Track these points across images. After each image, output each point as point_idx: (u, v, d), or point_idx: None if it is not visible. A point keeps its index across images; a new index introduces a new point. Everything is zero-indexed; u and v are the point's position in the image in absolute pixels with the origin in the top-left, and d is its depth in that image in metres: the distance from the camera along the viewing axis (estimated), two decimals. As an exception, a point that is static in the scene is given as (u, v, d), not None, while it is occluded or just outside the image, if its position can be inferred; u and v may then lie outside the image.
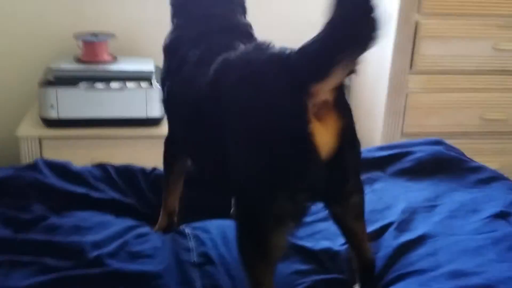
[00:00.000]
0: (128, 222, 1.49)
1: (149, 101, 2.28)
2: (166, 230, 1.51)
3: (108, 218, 1.50)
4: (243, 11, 1.45)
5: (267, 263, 1.07)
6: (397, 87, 2.25)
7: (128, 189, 1.63)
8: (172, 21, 1.47)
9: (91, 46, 2.35)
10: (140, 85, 2.27)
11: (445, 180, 1.68)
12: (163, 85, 1.43)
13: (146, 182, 1.66)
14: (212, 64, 1.17)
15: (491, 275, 1.25)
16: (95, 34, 2.39)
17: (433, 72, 2.27)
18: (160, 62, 2.31)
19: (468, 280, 1.24)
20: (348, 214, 1.15)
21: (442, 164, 1.74)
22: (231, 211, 1.57)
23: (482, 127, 2.30)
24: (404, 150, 1.80)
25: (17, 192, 1.50)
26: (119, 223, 1.47)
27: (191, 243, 1.41)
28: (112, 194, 1.59)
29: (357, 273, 1.24)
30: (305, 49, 0.98)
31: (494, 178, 1.72)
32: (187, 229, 1.48)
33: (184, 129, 1.32)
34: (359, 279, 1.24)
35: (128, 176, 1.66)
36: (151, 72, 2.32)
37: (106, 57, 2.38)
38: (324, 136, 1.00)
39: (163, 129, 2.29)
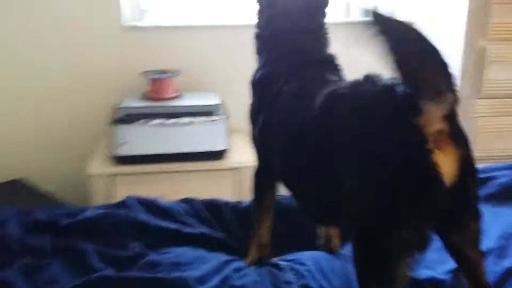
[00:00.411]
0: (222, 256, 1.51)
1: (215, 135, 2.31)
2: (257, 263, 1.50)
3: (202, 253, 1.51)
4: (327, 43, 1.47)
5: None
6: (464, 112, 2.24)
7: (216, 223, 1.64)
8: (259, 56, 1.50)
9: (159, 83, 2.40)
10: (206, 119, 2.30)
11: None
12: (255, 118, 1.45)
13: (232, 215, 1.67)
14: (316, 97, 1.19)
15: None
16: (162, 71, 2.44)
17: (500, 96, 2.26)
18: (224, 96, 2.41)
19: None
20: (467, 241, 1.14)
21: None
22: (318, 242, 1.58)
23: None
24: (486, 175, 1.78)
25: (111, 230, 1.53)
26: (214, 258, 1.48)
27: (290, 276, 1.41)
28: (201, 229, 1.60)
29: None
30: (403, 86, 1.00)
31: None
32: (281, 262, 1.47)
33: (283, 161, 1.33)
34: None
35: (214, 210, 1.68)
36: (217, 106, 2.35)
37: (172, 93, 2.42)
38: (446, 165, 1.00)
39: (228, 161, 2.33)
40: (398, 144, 1.00)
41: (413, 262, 1.06)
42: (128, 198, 1.66)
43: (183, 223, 1.60)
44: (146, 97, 2.42)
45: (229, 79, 2.62)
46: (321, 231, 1.58)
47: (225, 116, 2.32)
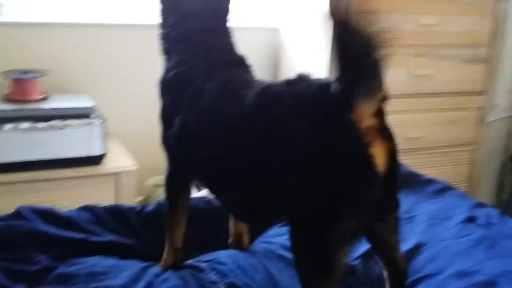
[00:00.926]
0: (137, 263, 1.46)
1: (91, 139, 2.20)
2: (172, 267, 1.48)
3: (115, 261, 1.45)
4: (235, 44, 1.50)
5: (332, 283, 1.12)
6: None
7: (122, 230, 1.58)
8: (167, 56, 1.48)
9: (22, 84, 2.22)
10: (81, 122, 2.18)
11: (410, 193, 1.87)
12: (168, 119, 1.42)
13: (138, 221, 1.62)
14: (244, 96, 1.22)
15: (488, 271, 1.43)
16: (25, 71, 2.26)
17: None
18: (96, 99, 2.31)
19: (472, 278, 1.41)
20: (388, 228, 1.25)
21: (403, 179, 1.92)
22: (228, 241, 1.61)
23: (405, 144, 2.55)
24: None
25: (13, 244, 1.39)
26: (130, 265, 1.43)
27: (213, 276, 1.41)
28: (109, 236, 1.53)
29: (389, 284, 1.33)
30: (337, 84, 1.07)
31: (446, 188, 1.95)
32: (201, 263, 1.47)
33: (209, 161, 1.33)
34: (391, 289, 1.33)
35: (118, 216, 1.61)
36: (91, 108, 2.24)
37: (38, 95, 2.25)
38: (379, 157, 1.08)
39: (106, 166, 2.24)
40: (337, 139, 1.06)
41: (350, 250, 1.14)
42: (21, 208, 1.52)
43: (88, 231, 1.52)
44: (8, 99, 2.22)
45: (101, 80, 2.53)
46: (231, 229, 1.60)
47: (102, 119, 2.23)
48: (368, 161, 1.05)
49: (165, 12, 1.50)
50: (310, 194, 1.08)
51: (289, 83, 1.18)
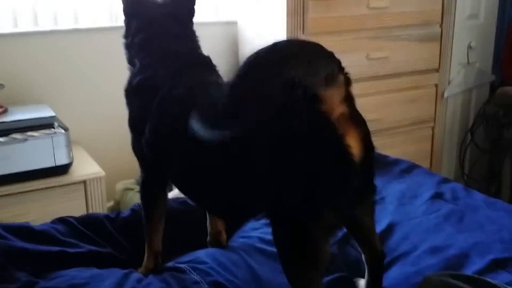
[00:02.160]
0: (117, 271, 1.45)
1: (56, 149, 2.17)
2: (153, 271, 1.49)
3: (95, 271, 1.44)
4: (200, 46, 1.51)
5: (318, 273, 1.15)
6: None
7: (100, 239, 1.57)
8: (133, 62, 1.47)
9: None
10: (44, 133, 2.15)
11: (377, 174, 1.90)
12: (137, 126, 1.41)
13: (115, 228, 1.62)
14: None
15: (459, 245, 1.49)
16: (-20, 86, 2.21)
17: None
18: (55, 108, 2.28)
19: (446, 252, 1.47)
20: (365, 213, 1.29)
21: (370, 162, 1.97)
22: (207, 239, 1.62)
23: (367, 127, 2.61)
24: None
25: (-10, 263, 1.37)
26: (111, 274, 1.42)
27: (195, 276, 1.42)
28: (87, 246, 1.52)
29: (368, 266, 1.37)
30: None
31: (412, 167, 2.02)
32: (181, 265, 1.48)
33: (182, 165, 1.33)
34: (370, 272, 1.37)
35: (94, 225, 1.60)
36: (52, 118, 2.22)
37: (-5, 108, 2.21)
38: (355, 146, 1.10)
39: (73, 175, 2.22)
40: (311, 134, 1.08)
41: (332, 239, 1.17)
42: (-6, 226, 1.50)
43: (65, 244, 1.50)
44: (-37, 115, 2.17)
45: (59, 88, 2.49)
46: (208, 227, 1.62)
47: (64, 128, 2.20)
48: (345, 151, 1.07)
49: (128, 21, 1.50)
50: (290, 191, 1.09)
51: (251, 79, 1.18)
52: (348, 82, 1.08)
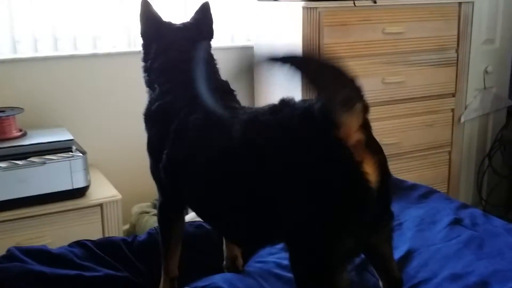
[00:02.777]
0: (133, 295, 1.45)
1: (73, 172, 2.19)
2: (169, 296, 1.49)
3: (112, 295, 1.44)
4: (218, 71, 1.52)
5: None
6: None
7: (116, 263, 1.57)
8: (152, 86, 1.48)
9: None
10: (62, 156, 2.17)
11: (395, 200, 1.89)
12: (156, 151, 1.41)
13: (132, 251, 1.62)
14: (230, 125, 1.22)
15: (480, 272, 1.47)
16: (0, 110, 2.24)
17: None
18: (74, 131, 2.30)
19: (466, 280, 1.44)
20: (383, 240, 1.27)
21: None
22: (223, 264, 1.61)
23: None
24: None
25: (9, 286, 1.37)
26: (127, 298, 1.42)
27: (211, 301, 1.42)
28: (104, 270, 1.52)
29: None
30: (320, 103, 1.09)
31: (430, 192, 1.99)
32: (197, 290, 1.47)
33: (200, 191, 1.33)
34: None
35: (111, 249, 1.60)
36: (70, 142, 2.24)
37: (16, 132, 2.23)
38: (372, 173, 1.10)
39: (90, 198, 2.23)
40: (330, 162, 1.07)
41: (350, 266, 1.16)
42: (12, 249, 1.51)
43: (82, 267, 1.51)
44: (-13, 138, 2.20)
45: (77, 112, 2.52)
46: (225, 252, 1.61)
47: (82, 152, 2.22)
48: (362, 179, 1.07)
49: (147, 44, 1.53)
50: (308, 219, 1.09)
51: (273, 110, 1.18)
52: (366, 109, 1.08)
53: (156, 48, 1.49)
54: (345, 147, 1.06)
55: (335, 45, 2.46)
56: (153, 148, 1.44)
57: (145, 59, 1.52)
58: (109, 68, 2.56)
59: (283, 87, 2.57)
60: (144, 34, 1.53)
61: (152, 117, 1.45)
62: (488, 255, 1.54)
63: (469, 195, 3.20)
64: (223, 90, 1.45)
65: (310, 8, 2.39)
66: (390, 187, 1.19)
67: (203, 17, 1.55)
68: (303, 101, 1.19)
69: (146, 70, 1.51)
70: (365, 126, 1.11)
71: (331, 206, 1.07)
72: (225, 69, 1.53)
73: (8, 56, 2.40)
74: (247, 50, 2.85)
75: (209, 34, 1.55)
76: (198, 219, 1.78)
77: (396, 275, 1.33)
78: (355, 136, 1.08)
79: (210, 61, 1.51)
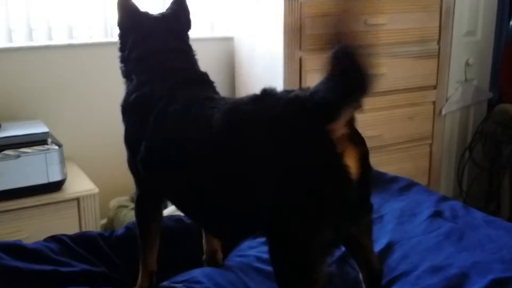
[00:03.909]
0: (111, 291, 1.43)
1: (49, 165, 2.15)
2: (148, 291, 1.46)
3: (88, 291, 1.41)
4: (197, 62, 1.49)
5: None
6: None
7: (93, 257, 1.54)
8: (129, 77, 1.45)
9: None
10: (37, 149, 2.13)
11: (376, 192, 1.88)
12: (134, 143, 1.38)
13: (109, 246, 1.59)
14: (209, 115, 1.20)
15: (460, 264, 1.47)
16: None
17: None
18: (49, 123, 2.25)
19: (446, 272, 1.44)
20: (363, 231, 1.26)
21: (368, 180, 1.95)
22: (203, 258, 1.59)
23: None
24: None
25: (-19, 283, 1.34)
26: (104, 294, 1.40)
27: (191, 296, 1.40)
28: (80, 265, 1.50)
29: (366, 286, 1.33)
30: (317, 96, 1.08)
31: (410, 184, 1.99)
32: (176, 285, 1.45)
33: (180, 182, 1.31)
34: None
35: (88, 243, 1.57)
36: (46, 134, 2.19)
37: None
38: (352, 165, 1.10)
39: (67, 192, 2.20)
40: (311, 152, 1.07)
41: (330, 258, 1.15)
42: (-16, 245, 1.47)
43: (58, 263, 1.47)
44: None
45: (53, 104, 2.48)
46: (204, 246, 1.58)
47: (58, 145, 2.17)
48: (342, 170, 1.07)
49: (124, 34, 1.50)
50: (288, 209, 1.08)
51: (255, 100, 1.17)
52: (360, 106, 1.08)
53: (133, 38, 1.46)
54: (328, 138, 1.06)
55: (316, 36, 2.43)
56: (131, 139, 1.41)
57: (122, 49, 1.48)
58: (86, 59, 2.52)
59: (264, 80, 2.55)
60: (121, 24, 1.49)
61: (130, 108, 1.42)
62: (468, 247, 1.54)
63: (449, 188, 3.21)
64: (202, 82, 1.43)
65: (292, -2, 2.37)
66: (371, 180, 1.19)
67: (180, 7, 1.52)
68: (286, 91, 1.18)
69: (123, 60, 1.48)
70: (350, 120, 1.11)
71: (310, 195, 1.06)
72: (204, 60, 1.50)
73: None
74: (227, 41, 2.82)
75: (187, 25, 1.53)
76: (177, 213, 1.77)
77: (376, 267, 1.33)
78: (341, 130, 1.08)
79: (188, 51, 1.48)
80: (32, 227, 2.10)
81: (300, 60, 2.43)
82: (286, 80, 2.42)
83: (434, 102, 2.82)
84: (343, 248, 1.40)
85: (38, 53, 2.43)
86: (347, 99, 1.05)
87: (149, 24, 1.47)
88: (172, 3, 1.53)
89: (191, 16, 1.53)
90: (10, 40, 2.39)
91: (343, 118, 1.07)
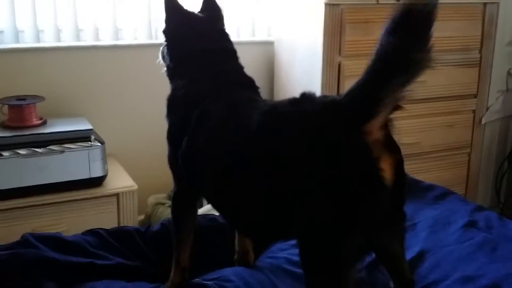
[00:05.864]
0: (144, 284, 1.47)
1: (91, 161, 2.21)
2: (179, 286, 1.49)
3: (123, 284, 1.46)
4: (241, 65, 1.52)
5: None
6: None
7: (128, 252, 1.59)
8: (178, 75, 1.48)
9: (19, 111, 2.23)
10: (80, 145, 2.20)
11: (410, 200, 1.87)
12: (176, 139, 1.41)
13: (144, 241, 1.63)
14: (250, 117, 1.22)
15: (491, 275, 1.45)
16: (22, 98, 2.27)
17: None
18: (93, 121, 2.33)
19: (477, 283, 1.43)
20: (395, 239, 1.26)
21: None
22: (235, 258, 1.62)
23: (402, 151, 2.57)
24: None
25: (22, 272, 1.40)
26: (138, 287, 1.44)
27: (221, 294, 1.42)
28: (116, 259, 1.54)
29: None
30: (351, 95, 1.09)
31: (446, 193, 1.98)
32: (207, 282, 1.48)
33: (216, 182, 1.33)
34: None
35: (124, 238, 1.62)
36: (89, 131, 2.26)
37: (36, 120, 2.27)
38: (387, 171, 1.09)
39: (107, 187, 2.26)
40: (346, 155, 1.07)
41: (360, 264, 1.16)
42: (27, 235, 1.53)
43: (95, 256, 1.53)
44: (6, 126, 2.24)
45: (97, 102, 2.55)
46: (237, 246, 1.61)
47: (101, 142, 2.24)
48: (377, 175, 1.06)
49: (172, 33, 1.52)
50: (320, 211, 1.09)
51: (293, 103, 1.18)
52: (397, 106, 1.08)
53: (183, 37, 1.49)
54: (365, 143, 1.06)
55: (357, 42, 2.44)
56: (174, 135, 1.44)
57: (169, 46, 1.51)
58: (130, 59, 2.58)
59: (302, 84, 2.57)
60: (168, 23, 1.52)
61: (176, 104, 1.45)
62: (501, 259, 1.52)
63: (487, 198, 3.15)
64: (247, 87, 1.45)
65: (332, 4, 2.38)
66: (405, 188, 1.19)
67: (215, 8, 1.55)
68: (323, 96, 1.19)
69: (172, 57, 1.50)
70: (387, 125, 1.10)
71: (342, 199, 1.07)
72: (244, 63, 1.53)
73: (31, 45, 2.42)
74: (267, 45, 2.85)
75: (224, 25, 1.56)
76: (212, 212, 1.80)
77: (408, 275, 1.33)
78: (376, 133, 1.08)
79: (234, 55, 1.51)
80: (72, 220, 2.17)
81: (339, 65, 2.44)
82: (324, 85, 2.44)
83: (474, 111, 2.79)
84: (374, 255, 1.40)
85: (85, 52, 2.51)
86: (386, 84, 1.02)
87: (198, 23, 1.50)
88: (204, 3, 1.55)
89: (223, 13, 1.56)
90: (59, 39, 2.48)
91: (381, 115, 1.05)
